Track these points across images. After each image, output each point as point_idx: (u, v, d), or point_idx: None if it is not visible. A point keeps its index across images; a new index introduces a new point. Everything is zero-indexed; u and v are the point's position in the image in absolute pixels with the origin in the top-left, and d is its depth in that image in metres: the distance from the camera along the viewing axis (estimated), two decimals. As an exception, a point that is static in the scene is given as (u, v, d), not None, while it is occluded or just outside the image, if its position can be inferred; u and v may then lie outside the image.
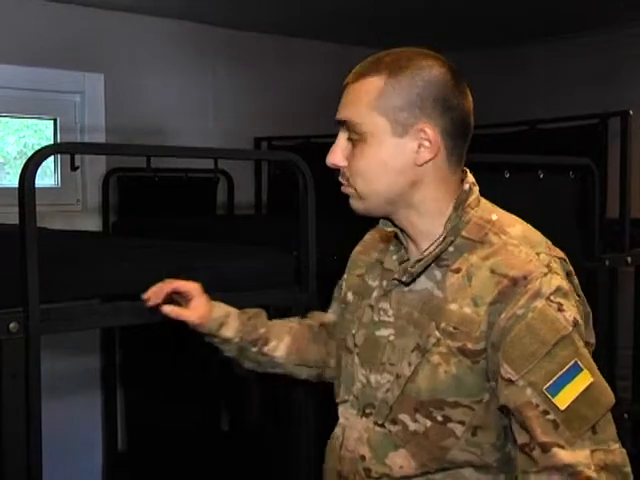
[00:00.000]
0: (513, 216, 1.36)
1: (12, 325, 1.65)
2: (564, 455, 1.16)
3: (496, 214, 1.34)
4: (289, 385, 1.82)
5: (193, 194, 3.93)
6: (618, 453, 1.19)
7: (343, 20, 4.08)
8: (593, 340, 1.30)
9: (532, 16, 4.03)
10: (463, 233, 1.30)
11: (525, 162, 2.59)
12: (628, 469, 1.19)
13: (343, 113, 1.32)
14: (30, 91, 3.64)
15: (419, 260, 1.30)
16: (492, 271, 1.24)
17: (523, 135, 3.76)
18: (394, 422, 1.31)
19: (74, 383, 3.68)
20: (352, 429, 1.38)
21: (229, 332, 1.62)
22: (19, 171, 1.69)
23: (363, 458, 1.35)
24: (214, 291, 2.01)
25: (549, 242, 1.32)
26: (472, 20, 4.13)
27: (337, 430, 1.43)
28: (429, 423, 1.27)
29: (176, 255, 2.17)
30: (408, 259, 1.36)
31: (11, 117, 3.77)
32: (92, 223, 3.74)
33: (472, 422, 1.25)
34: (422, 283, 1.31)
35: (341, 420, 1.42)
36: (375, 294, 1.40)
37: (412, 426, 1.28)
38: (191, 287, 1.65)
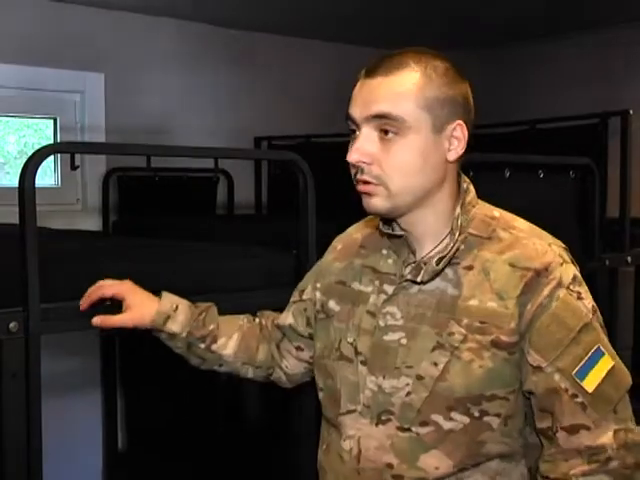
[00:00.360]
0: (510, 213, 1.38)
1: (12, 325, 1.65)
2: (589, 437, 1.22)
3: (497, 211, 1.37)
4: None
5: (193, 194, 3.93)
6: (638, 432, 1.25)
7: (344, 20, 4.08)
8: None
9: (532, 16, 4.03)
10: (470, 230, 1.32)
11: (525, 162, 2.59)
12: None
13: (378, 107, 1.25)
14: (30, 90, 3.64)
15: (441, 257, 1.29)
16: (512, 265, 1.27)
17: (523, 135, 3.76)
18: (424, 424, 1.28)
19: (74, 383, 3.68)
20: (369, 439, 1.34)
21: (175, 326, 1.58)
22: (19, 171, 1.69)
23: (390, 466, 1.31)
24: (214, 291, 2.02)
25: (549, 234, 1.36)
26: (472, 20, 4.13)
27: (347, 442, 1.37)
28: (467, 419, 1.27)
29: (176, 255, 2.18)
30: (414, 261, 1.35)
31: (11, 116, 3.77)
32: (92, 223, 3.73)
33: (506, 413, 1.28)
34: (433, 282, 1.31)
35: (351, 432, 1.37)
36: (373, 299, 1.37)
37: (447, 425, 1.27)
38: (119, 289, 1.62)
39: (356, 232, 1.51)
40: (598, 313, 1.29)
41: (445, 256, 1.29)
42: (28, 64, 3.56)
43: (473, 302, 1.27)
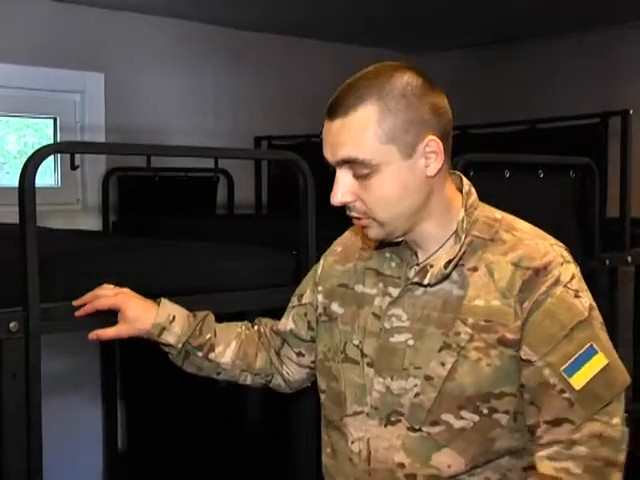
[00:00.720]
0: (511, 215, 1.39)
1: (12, 325, 1.65)
2: (571, 431, 1.22)
3: (499, 213, 1.38)
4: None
5: (193, 193, 3.93)
6: (618, 429, 1.23)
7: (343, 19, 4.08)
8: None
9: (532, 15, 4.03)
10: (474, 232, 1.33)
11: (525, 161, 2.59)
12: (623, 446, 1.24)
13: (343, 152, 1.27)
14: (30, 90, 3.64)
15: (449, 261, 1.30)
16: (515, 265, 1.28)
17: (523, 134, 3.76)
18: (435, 424, 1.29)
19: (74, 382, 3.68)
20: (378, 440, 1.35)
21: (171, 338, 1.58)
22: (19, 170, 1.69)
23: (402, 466, 1.32)
24: (213, 291, 2.02)
25: (550, 235, 1.37)
26: (472, 19, 4.13)
27: (356, 445, 1.38)
28: (477, 417, 1.27)
29: (176, 254, 2.17)
30: (418, 263, 1.36)
31: (11, 116, 3.76)
32: (92, 222, 3.73)
33: (515, 409, 1.28)
34: (438, 284, 1.32)
35: (359, 434, 1.37)
36: (378, 302, 1.38)
37: (458, 424, 1.28)
38: (115, 300, 1.62)
39: (356, 234, 1.52)
40: (596, 312, 1.28)
41: (453, 259, 1.30)
42: (28, 64, 3.56)
43: (478, 302, 1.28)
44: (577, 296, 1.27)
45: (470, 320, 1.28)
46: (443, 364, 1.29)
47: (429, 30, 4.39)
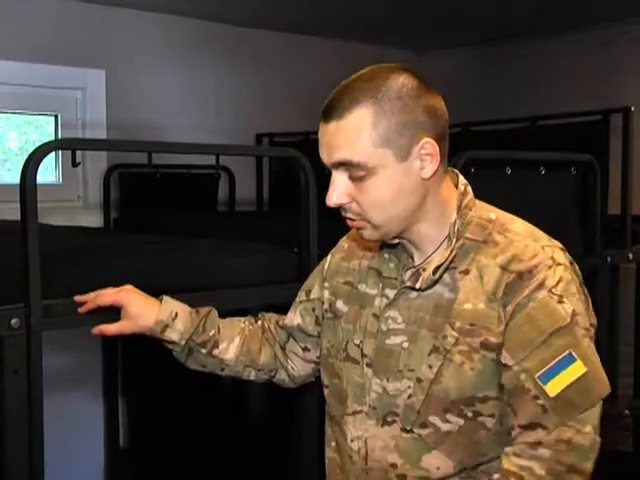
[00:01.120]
0: (508, 213, 1.38)
1: (14, 321, 1.65)
2: (544, 436, 1.22)
3: (494, 213, 1.36)
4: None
5: (194, 190, 3.93)
6: (589, 437, 1.22)
7: (344, 17, 4.08)
8: (594, 320, 1.32)
9: (533, 12, 4.02)
10: (467, 235, 1.32)
11: (526, 158, 2.58)
12: (591, 455, 1.22)
13: (338, 155, 1.27)
14: (31, 87, 3.64)
15: (438, 267, 1.30)
16: (502, 268, 1.27)
17: (524, 131, 3.75)
18: (424, 426, 1.30)
19: (76, 379, 3.68)
20: (375, 439, 1.36)
21: (174, 335, 1.57)
22: (20, 167, 1.69)
23: (394, 466, 1.33)
24: (215, 288, 2.02)
25: (547, 235, 1.35)
26: (473, 17, 4.13)
27: (355, 443, 1.39)
28: (462, 421, 1.28)
29: (177, 251, 2.17)
30: (413, 266, 1.36)
31: (12, 113, 3.77)
32: (93, 219, 3.74)
33: (500, 412, 1.28)
34: (430, 287, 1.32)
35: (358, 432, 1.38)
36: (378, 303, 1.39)
37: (444, 427, 1.29)
38: (117, 297, 1.61)
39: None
40: (581, 318, 1.26)
41: (442, 265, 1.30)
42: (29, 61, 3.56)
43: (467, 306, 1.28)
44: (560, 302, 1.24)
45: (457, 324, 1.28)
46: (431, 367, 1.29)
47: (431, 28, 4.39)
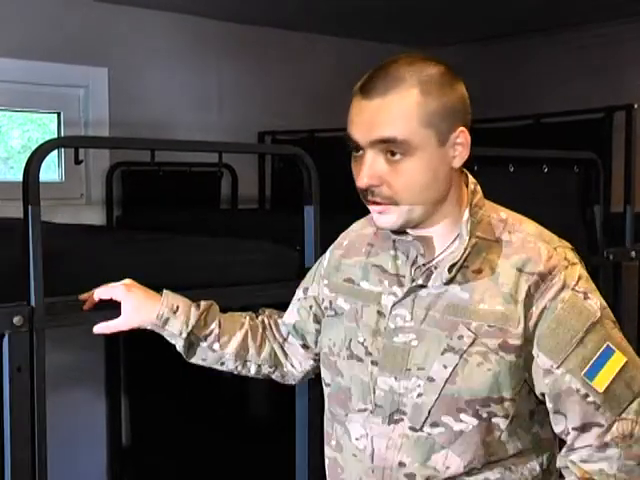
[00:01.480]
0: (517, 213, 1.38)
1: (17, 319, 1.66)
2: (600, 434, 1.23)
3: (504, 212, 1.36)
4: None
5: (197, 188, 3.93)
6: None
7: (345, 14, 4.08)
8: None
9: (535, 9, 4.02)
10: (478, 234, 1.31)
11: (529, 156, 2.59)
12: None
13: (381, 132, 1.24)
14: (34, 85, 3.64)
15: (453, 265, 1.28)
16: (519, 270, 1.27)
17: (527, 129, 3.75)
18: (435, 425, 1.29)
19: (78, 377, 3.69)
20: (381, 438, 1.34)
21: (175, 328, 1.56)
22: (23, 165, 1.70)
23: (402, 464, 1.32)
24: (217, 285, 2.02)
25: (556, 236, 1.35)
26: (475, 14, 4.12)
27: (361, 442, 1.37)
28: (475, 421, 1.27)
29: (180, 249, 2.18)
30: (423, 264, 1.34)
31: (15, 111, 3.77)
32: (96, 217, 3.74)
33: (513, 413, 1.28)
34: (442, 286, 1.31)
35: (364, 430, 1.37)
36: (384, 300, 1.37)
37: (457, 426, 1.28)
38: (115, 293, 1.60)
39: (362, 228, 1.50)
40: (608, 310, 1.28)
41: (457, 263, 1.29)
42: (32, 59, 3.56)
43: (482, 306, 1.27)
44: (586, 298, 1.26)
45: (474, 324, 1.27)
46: (445, 367, 1.28)
47: (431, 25, 4.39)
